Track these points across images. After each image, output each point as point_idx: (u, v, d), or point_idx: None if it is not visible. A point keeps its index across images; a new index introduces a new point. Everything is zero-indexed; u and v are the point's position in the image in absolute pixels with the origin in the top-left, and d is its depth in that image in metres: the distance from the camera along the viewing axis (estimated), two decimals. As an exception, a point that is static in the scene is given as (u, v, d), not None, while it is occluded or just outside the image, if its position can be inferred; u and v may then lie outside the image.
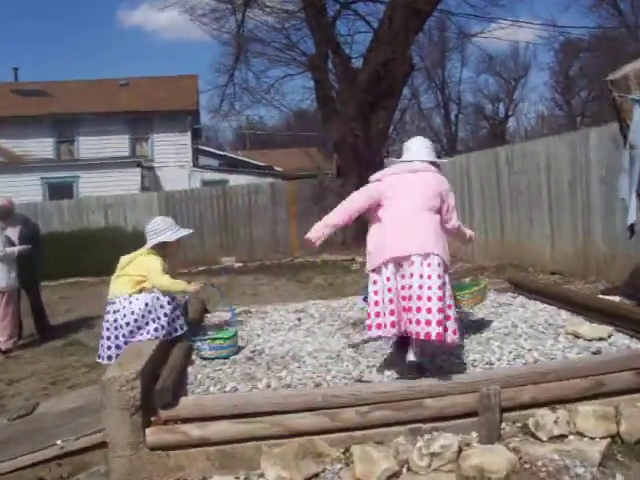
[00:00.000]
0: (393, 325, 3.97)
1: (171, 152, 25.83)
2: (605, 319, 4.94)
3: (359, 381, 4.00)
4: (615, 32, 31.51)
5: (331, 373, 4.14)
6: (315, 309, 6.10)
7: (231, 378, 4.16)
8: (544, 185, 10.37)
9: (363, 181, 15.68)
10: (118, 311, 4.79)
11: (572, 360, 4.04)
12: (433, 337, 3.76)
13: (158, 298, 4.83)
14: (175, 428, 3.62)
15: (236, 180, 24.02)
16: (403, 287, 3.97)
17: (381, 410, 3.64)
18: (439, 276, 3.91)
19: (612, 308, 5.02)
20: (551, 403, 3.80)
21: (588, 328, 4.57)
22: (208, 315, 6.24)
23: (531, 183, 10.78)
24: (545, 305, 5.62)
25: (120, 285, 4.91)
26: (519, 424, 3.75)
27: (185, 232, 5.22)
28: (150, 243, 5.06)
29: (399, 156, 4.63)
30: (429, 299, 3.82)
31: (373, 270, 4.15)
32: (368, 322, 4.10)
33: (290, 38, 18.65)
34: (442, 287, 3.89)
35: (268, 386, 3.98)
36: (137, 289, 4.86)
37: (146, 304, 4.77)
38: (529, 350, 4.32)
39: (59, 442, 3.89)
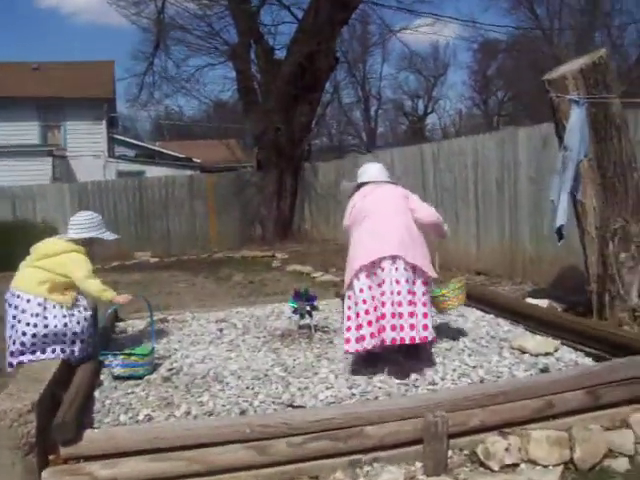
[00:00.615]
0: (372, 336, 3.94)
1: (85, 141, 24.71)
2: (545, 329, 4.73)
3: (290, 406, 3.58)
4: (531, 35, 32.12)
5: (258, 397, 3.70)
6: (238, 318, 5.62)
7: (145, 404, 3.66)
8: (471, 183, 10.18)
9: (283, 175, 15.31)
10: (24, 312, 4.18)
11: (521, 380, 3.74)
12: (407, 341, 3.85)
13: (78, 322, 4.27)
14: (78, 468, 3.08)
15: (153, 171, 23.23)
16: (382, 294, 3.96)
17: (316, 441, 3.22)
18: (407, 280, 3.95)
19: (553, 318, 4.82)
20: (500, 427, 3.48)
21: (534, 343, 4.30)
22: (120, 324, 5.69)
23: (457, 181, 10.57)
24: (483, 313, 5.36)
25: (34, 280, 4.28)
26: (467, 451, 3.41)
27: (116, 236, 4.82)
28: (79, 236, 4.49)
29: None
30: (400, 304, 3.88)
31: (348, 287, 4.16)
32: (344, 337, 4.10)
33: (212, 26, 17.92)
34: (412, 291, 3.96)
35: (187, 413, 3.51)
36: (58, 297, 4.26)
37: (65, 325, 4.19)
38: (474, 367, 4.02)
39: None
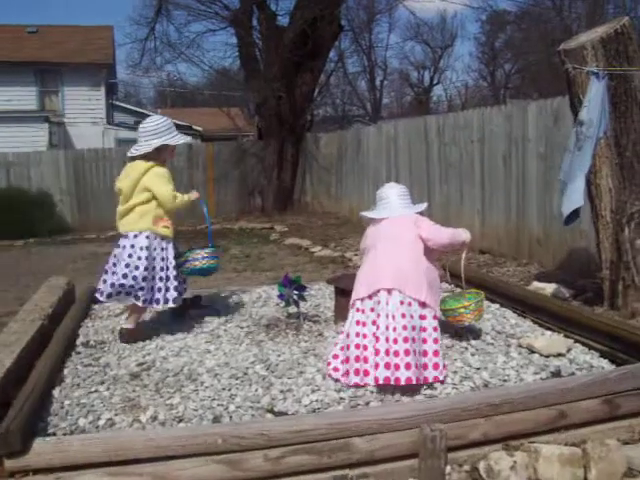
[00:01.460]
0: (357, 373, 3.51)
1: (83, 107, 24.29)
2: (555, 323, 4.34)
3: (270, 412, 3.19)
4: (541, 5, 31.38)
5: (235, 401, 3.28)
6: (222, 304, 5.19)
7: (108, 405, 3.26)
8: (477, 158, 9.75)
9: (285, 145, 15.02)
10: (133, 246, 4.28)
11: (530, 387, 3.32)
12: (402, 382, 3.38)
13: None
14: (24, 483, 2.71)
15: (153, 139, 22.71)
16: (377, 328, 3.59)
17: (297, 454, 2.83)
18: (403, 315, 3.56)
19: (565, 312, 4.40)
20: (505, 439, 3.10)
21: (545, 342, 3.88)
22: (96, 306, 5.28)
23: (463, 156, 10.14)
24: (488, 303, 4.94)
25: (135, 217, 4.35)
26: (467, 467, 3.02)
27: (187, 138, 4.79)
28: (152, 144, 4.33)
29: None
30: (395, 341, 3.47)
31: (346, 319, 3.87)
32: (327, 361, 3.75)
33: (213, -10, 17.39)
34: (408, 327, 3.52)
35: (154, 418, 3.11)
36: (163, 230, 4.40)
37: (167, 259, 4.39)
38: (477, 369, 3.60)
39: None
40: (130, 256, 4.22)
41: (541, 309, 4.56)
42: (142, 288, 4.21)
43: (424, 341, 3.57)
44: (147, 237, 4.28)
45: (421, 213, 4.15)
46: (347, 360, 3.58)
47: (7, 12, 64.45)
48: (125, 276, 4.19)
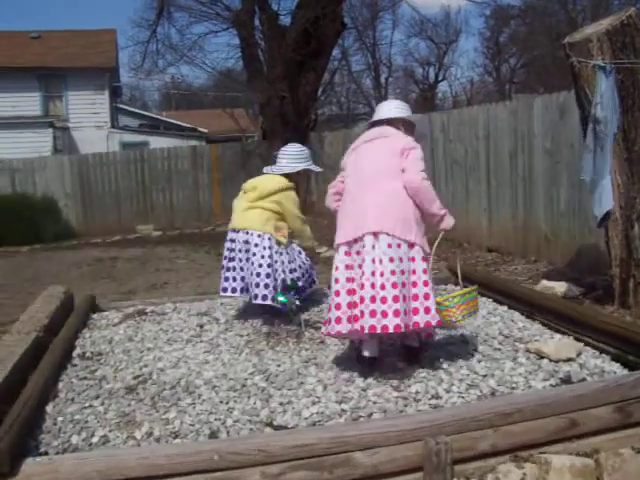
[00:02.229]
0: (350, 320, 3.47)
1: (87, 112, 24.18)
2: (565, 325, 4.22)
3: (269, 426, 3.08)
4: (544, 0, 31.13)
5: (233, 414, 3.17)
6: (222, 312, 5.07)
7: (102, 421, 3.15)
8: (482, 155, 9.59)
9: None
10: (257, 246, 4.65)
11: (540, 394, 3.19)
12: (390, 330, 3.32)
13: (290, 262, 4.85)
14: (12, 507, 2.60)
15: (158, 142, 22.68)
16: (362, 274, 3.46)
17: (297, 470, 2.71)
18: (391, 259, 3.40)
19: (574, 314, 4.27)
20: (514, 450, 2.97)
21: (554, 346, 3.75)
22: (95, 316, 5.18)
23: (468, 152, 9.99)
24: (495, 305, 4.82)
25: (260, 219, 4.70)
26: (475, 480, 2.91)
27: (320, 169, 5.15)
28: (294, 169, 4.80)
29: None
30: (382, 287, 3.35)
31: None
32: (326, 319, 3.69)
33: (214, -10, 17.28)
34: (397, 271, 3.38)
35: (149, 435, 3.00)
36: (280, 237, 4.75)
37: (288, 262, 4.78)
38: (484, 377, 3.47)
39: None
40: (254, 255, 4.64)
41: (550, 310, 4.43)
42: (267, 285, 4.58)
43: (414, 284, 3.45)
44: (269, 239, 4.66)
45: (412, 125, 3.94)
46: (338, 307, 3.48)
47: (7, 18, 64.56)
48: (258, 275, 4.60)
